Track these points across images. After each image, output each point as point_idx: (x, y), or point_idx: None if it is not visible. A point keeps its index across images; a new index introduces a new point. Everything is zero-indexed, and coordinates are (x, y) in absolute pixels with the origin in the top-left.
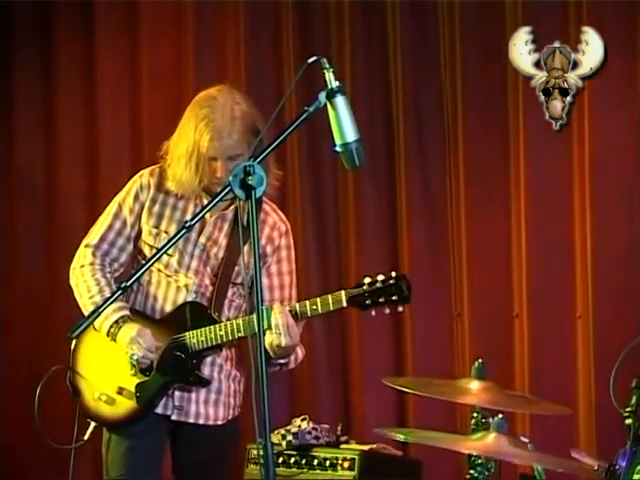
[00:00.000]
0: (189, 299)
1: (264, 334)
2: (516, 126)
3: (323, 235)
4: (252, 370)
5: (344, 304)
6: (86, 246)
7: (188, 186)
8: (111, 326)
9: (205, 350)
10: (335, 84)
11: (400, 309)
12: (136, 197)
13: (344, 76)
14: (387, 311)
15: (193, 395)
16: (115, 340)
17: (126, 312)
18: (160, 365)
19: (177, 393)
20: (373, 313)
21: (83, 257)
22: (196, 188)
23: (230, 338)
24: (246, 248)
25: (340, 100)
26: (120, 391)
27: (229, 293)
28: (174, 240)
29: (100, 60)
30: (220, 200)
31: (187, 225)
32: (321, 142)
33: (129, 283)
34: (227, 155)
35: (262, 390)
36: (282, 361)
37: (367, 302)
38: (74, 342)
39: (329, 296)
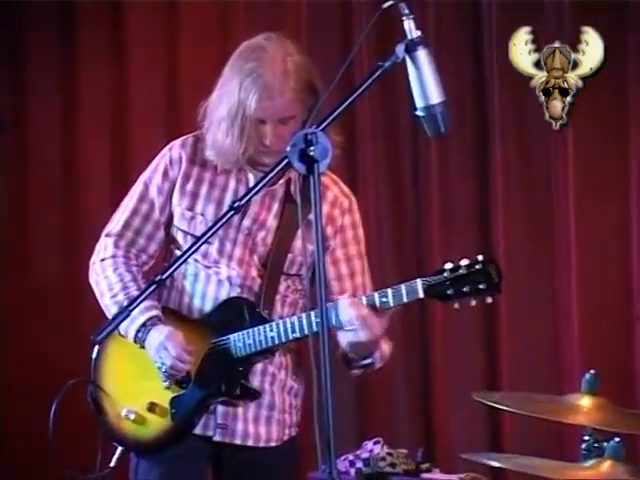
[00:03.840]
0: (233, 294)
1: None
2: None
3: (400, 219)
4: (314, 380)
5: (420, 295)
6: (107, 235)
7: (230, 155)
8: (138, 330)
9: (253, 356)
10: (416, 34)
11: (489, 300)
12: (165, 174)
13: (427, 25)
14: (473, 303)
15: (240, 411)
16: (144, 347)
17: (156, 312)
18: (199, 375)
19: (220, 409)
20: (456, 306)
21: (104, 249)
22: (240, 158)
23: (283, 340)
24: (300, 231)
25: (422, 54)
26: (151, 407)
27: (282, 287)
28: (219, 224)
29: (130, 12)
30: (275, 175)
31: (236, 206)
32: (398, 105)
33: (165, 276)
34: (278, 117)
35: (327, 406)
36: (366, 361)
37: (449, 292)
38: (96, 350)
39: (402, 285)
